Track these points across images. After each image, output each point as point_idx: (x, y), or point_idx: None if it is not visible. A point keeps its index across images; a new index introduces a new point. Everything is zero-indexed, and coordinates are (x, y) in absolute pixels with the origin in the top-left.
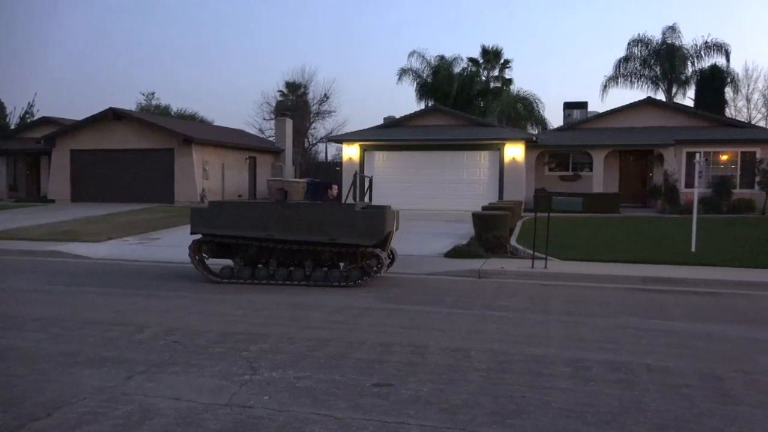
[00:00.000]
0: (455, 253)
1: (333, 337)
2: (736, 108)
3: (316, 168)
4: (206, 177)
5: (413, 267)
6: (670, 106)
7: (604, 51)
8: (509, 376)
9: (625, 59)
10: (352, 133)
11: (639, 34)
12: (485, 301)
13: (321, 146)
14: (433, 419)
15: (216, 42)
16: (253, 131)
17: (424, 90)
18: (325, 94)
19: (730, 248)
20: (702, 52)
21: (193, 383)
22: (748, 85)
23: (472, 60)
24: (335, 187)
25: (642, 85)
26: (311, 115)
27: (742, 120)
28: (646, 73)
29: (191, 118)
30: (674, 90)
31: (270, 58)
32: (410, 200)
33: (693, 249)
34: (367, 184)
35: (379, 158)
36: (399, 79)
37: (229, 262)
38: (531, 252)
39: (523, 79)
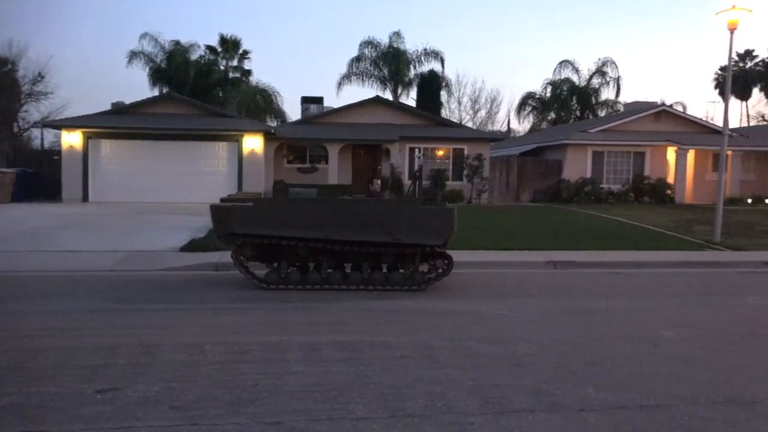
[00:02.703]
0: (192, 246)
1: (46, 346)
2: (450, 109)
3: (29, 156)
4: None
5: (146, 263)
6: (396, 105)
7: (341, 50)
8: (244, 366)
9: (357, 59)
10: (73, 118)
11: (369, 37)
12: (222, 294)
13: (36, 132)
14: (164, 418)
15: None
16: None
17: (158, 76)
18: (40, 73)
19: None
20: (422, 58)
21: None
22: (459, 90)
23: (210, 48)
24: (377, 181)
25: (373, 84)
26: (22, 96)
27: (455, 120)
28: (376, 73)
29: None
30: (400, 90)
31: None
32: (144, 193)
33: None
34: (416, 176)
35: (107, 147)
36: (129, 62)
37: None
38: None
39: (262, 72)
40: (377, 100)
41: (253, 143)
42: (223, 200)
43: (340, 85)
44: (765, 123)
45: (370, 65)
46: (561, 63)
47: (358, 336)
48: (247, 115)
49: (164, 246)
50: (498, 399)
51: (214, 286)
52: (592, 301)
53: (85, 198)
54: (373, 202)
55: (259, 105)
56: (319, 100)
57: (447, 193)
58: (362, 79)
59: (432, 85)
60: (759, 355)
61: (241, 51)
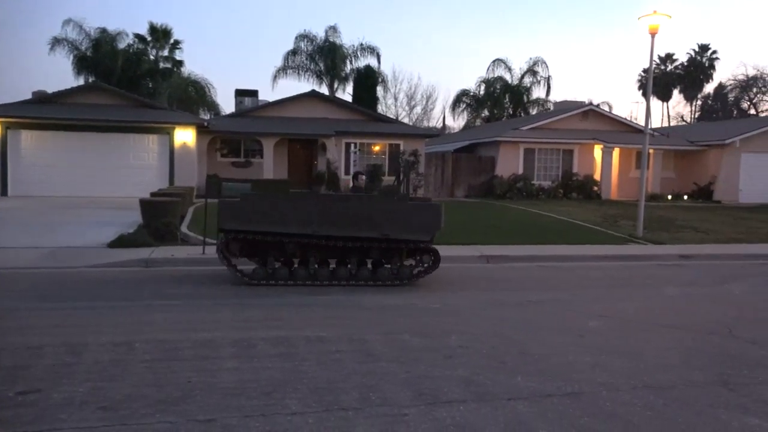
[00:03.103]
0: (120, 242)
1: None
2: (387, 105)
3: None
4: None
5: (72, 260)
6: (332, 100)
7: (277, 42)
8: (176, 364)
9: (293, 52)
10: None
11: (305, 30)
12: (153, 290)
13: None
14: (91, 419)
15: None
16: None
17: (83, 64)
18: None
19: None
20: (358, 53)
21: None
22: (396, 86)
23: (139, 37)
24: (362, 176)
25: (309, 78)
26: None
27: (391, 116)
28: (312, 67)
29: None
30: (336, 85)
31: None
32: (70, 187)
33: None
34: (402, 174)
35: (28, 139)
36: (52, 49)
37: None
38: (202, 238)
39: (195, 63)
40: (313, 95)
41: (185, 136)
42: (153, 195)
43: (275, 78)
44: (684, 123)
45: (306, 59)
46: (494, 62)
47: (293, 331)
48: (179, 107)
49: (91, 242)
50: (431, 390)
51: (144, 282)
52: (523, 294)
53: (3, 192)
54: (361, 198)
55: (192, 97)
56: (253, 93)
57: (383, 187)
58: (298, 73)
59: (368, 81)
60: (675, 343)
61: (172, 41)
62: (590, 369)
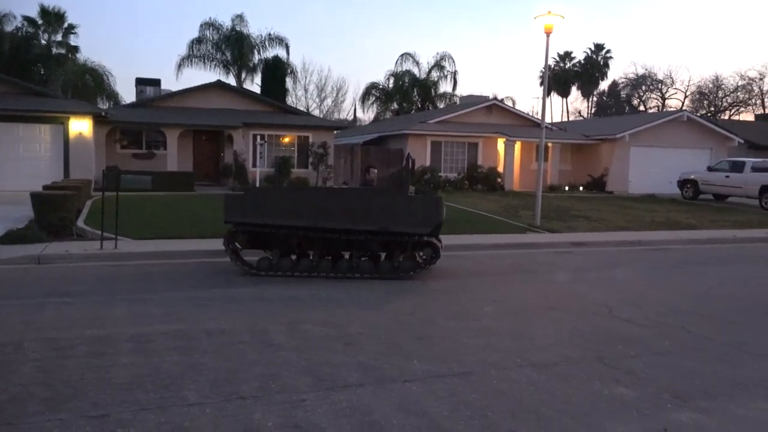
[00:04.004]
0: (9, 238)
1: None
2: (296, 97)
3: None
4: None
5: None
6: (239, 91)
7: (181, 30)
8: (68, 362)
9: (198, 41)
10: None
11: (211, 18)
12: (46, 288)
13: None
14: None
15: None
16: None
17: None
18: None
19: None
20: (267, 43)
21: None
22: (305, 78)
23: (28, 20)
24: (374, 170)
25: (215, 68)
26: None
27: (301, 108)
28: (219, 56)
29: None
30: (243, 75)
31: None
32: None
33: None
34: (408, 165)
35: None
36: None
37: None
38: (100, 233)
39: (92, 50)
40: (219, 85)
41: (81, 126)
42: (45, 188)
43: (179, 67)
44: (581, 118)
45: (212, 48)
46: (402, 55)
47: (192, 325)
48: (74, 96)
49: None
50: (330, 376)
51: (36, 280)
52: (423, 282)
53: None
54: (361, 191)
55: (89, 85)
56: (155, 83)
57: (292, 180)
58: (204, 62)
59: (277, 72)
60: (560, 324)
61: (66, 25)
62: (481, 350)
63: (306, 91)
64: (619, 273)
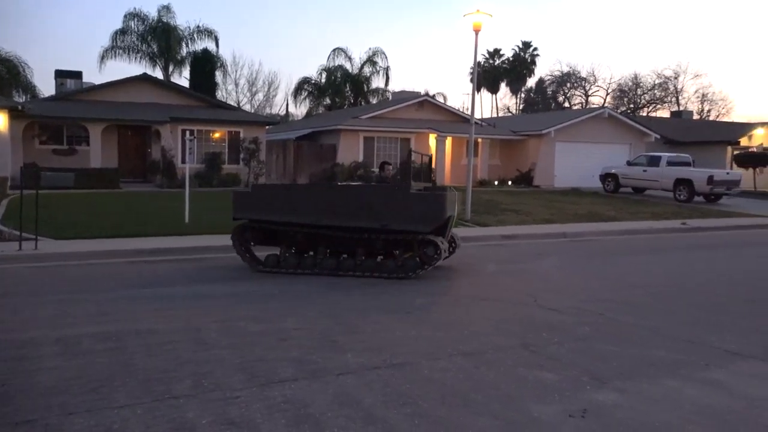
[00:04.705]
0: None
1: None
2: (227, 91)
3: None
4: None
5: None
6: (167, 84)
7: (104, 20)
8: None
9: (123, 32)
10: None
11: (135, 8)
12: None
13: None
14: None
15: None
16: None
17: None
18: None
19: (218, 217)
20: (195, 36)
21: None
22: (236, 71)
23: None
24: (389, 166)
25: (141, 60)
26: None
27: (232, 103)
28: (144, 48)
29: None
30: (171, 69)
31: None
32: None
33: (187, 220)
34: (426, 163)
35: None
36: None
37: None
38: (18, 233)
39: (6, 39)
40: (145, 78)
41: None
42: None
43: (102, 59)
44: (510, 114)
45: (138, 40)
46: (335, 50)
47: (122, 325)
48: None
49: None
50: (264, 372)
51: None
52: (357, 278)
53: None
54: (362, 187)
55: (3, 77)
56: (77, 75)
57: (223, 176)
58: (129, 55)
59: (206, 65)
60: (489, 313)
61: None
62: (414, 341)
63: (237, 85)
64: (545, 264)
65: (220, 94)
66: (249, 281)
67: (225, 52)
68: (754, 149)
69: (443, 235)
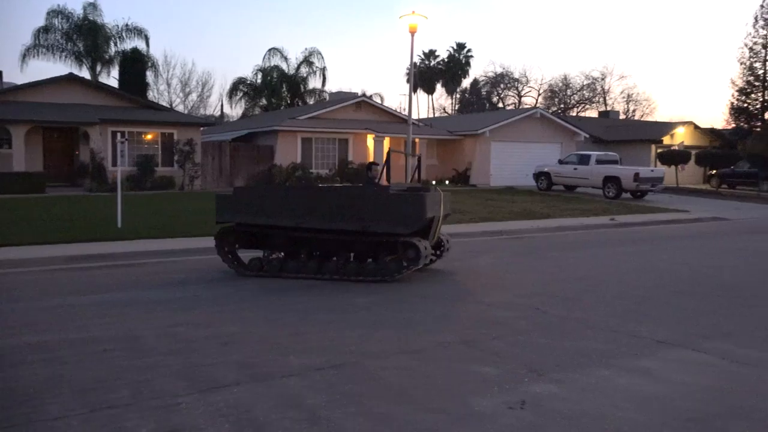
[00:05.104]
0: None
1: None
2: (159, 91)
3: None
4: None
5: None
6: (95, 85)
7: (25, 17)
8: None
9: (46, 30)
10: None
11: (59, 6)
12: None
13: None
14: None
15: None
16: None
17: None
18: None
19: (153, 221)
20: (124, 34)
21: None
22: (168, 71)
23: None
24: (377, 167)
25: (66, 60)
26: None
27: (164, 104)
28: (70, 47)
29: None
30: (99, 68)
31: None
32: None
33: (119, 225)
34: (415, 164)
35: None
36: None
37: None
38: None
39: None
40: (72, 78)
41: None
42: None
43: (24, 58)
44: (446, 115)
45: (62, 38)
46: (270, 50)
47: (57, 335)
48: None
49: None
50: (205, 377)
51: None
52: (298, 280)
53: None
54: (342, 188)
55: None
56: None
57: (157, 179)
58: (53, 54)
59: (136, 65)
60: (430, 310)
61: None
62: (357, 341)
63: (169, 85)
64: (483, 261)
65: (152, 95)
66: (190, 286)
67: (156, 52)
68: (676, 147)
69: (428, 237)
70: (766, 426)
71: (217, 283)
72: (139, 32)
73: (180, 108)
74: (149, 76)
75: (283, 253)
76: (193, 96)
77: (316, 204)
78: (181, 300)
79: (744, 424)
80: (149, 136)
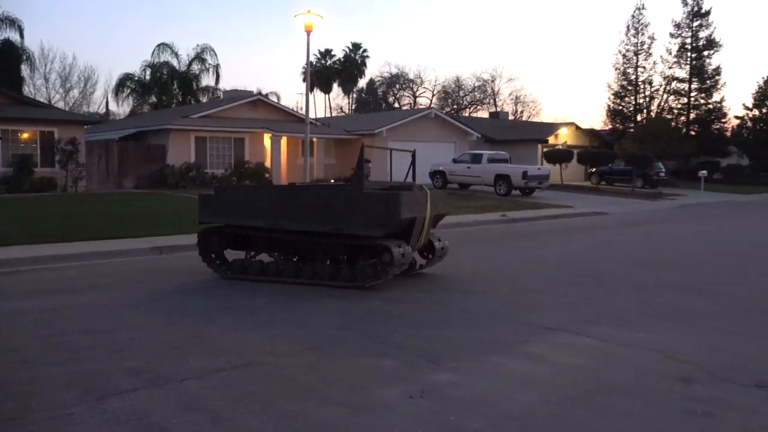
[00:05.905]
0: None
1: None
2: (35, 87)
3: None
4: None
5: None
6: None
7: None
8: None
9: None
10: None
11: None
12: None
13: None
14: None
15: None
16: None
17: None
18: None
19: (35, 225)
20: None
21: None
22: (46, 65)
23: None
24: (369, 165)
25: None
26: None
27: (42, 100)
28: None
29: None
30: None
31: None
32: None
33: None
34: (410, 160)
35: None
36: None
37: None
38: None
39: None
40: None
41: None
42: None
43: None
44: (343, 114)
45: None
46: (159, 46)
47: None
48: None
49: None
50: (98, 386)
51: None
52: (199, 282)
53: None
54: (317, 187)
55: None
56: None
57: (36, 180)
58: None
59: (9, 58)
60: (334, 308)
61: None
62: (260, 342)
63: (47, 80)
64: None
65: (28, 90)
66: (74, 293)
67: (32, 44)
68: (560, 147)
69: (408, 241)
70: (630, 398)
71: (112, 286)
72: (12, 23)
73: (60, 105)
74: (24, 69)
75: (255, 255)
76: (75, 92)
77: (293, 203)
78: (68, 307)
79: (615, 397)
80: (26, 135)
